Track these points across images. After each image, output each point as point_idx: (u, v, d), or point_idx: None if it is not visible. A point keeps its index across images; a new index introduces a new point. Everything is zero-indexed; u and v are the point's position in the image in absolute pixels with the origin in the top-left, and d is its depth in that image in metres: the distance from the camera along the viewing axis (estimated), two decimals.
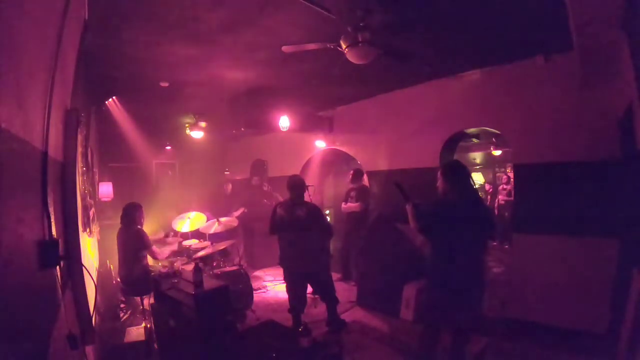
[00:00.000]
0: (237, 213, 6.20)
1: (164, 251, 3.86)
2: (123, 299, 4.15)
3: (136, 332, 3.57)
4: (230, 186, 6.85)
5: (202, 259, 4.33)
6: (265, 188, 6.76)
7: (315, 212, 3.61)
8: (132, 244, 3.73)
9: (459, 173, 2.54)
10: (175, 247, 4.01)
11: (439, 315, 2.53)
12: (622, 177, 3.00)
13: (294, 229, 3.53)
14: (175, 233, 5.03)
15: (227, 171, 8.72)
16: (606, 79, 3.01)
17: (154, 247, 3.81)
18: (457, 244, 2.37)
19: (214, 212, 5.48)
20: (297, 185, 3.65)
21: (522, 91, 3.86)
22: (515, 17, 2.87)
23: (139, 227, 3.86)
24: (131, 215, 3.84)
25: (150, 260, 3.98)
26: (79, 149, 2.40)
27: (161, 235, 5.00)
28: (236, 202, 6.48)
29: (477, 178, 10.85)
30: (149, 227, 4.41)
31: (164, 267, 3.86)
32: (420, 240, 2.47)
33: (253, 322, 3.89)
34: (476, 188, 2.70)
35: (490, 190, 9.58)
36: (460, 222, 2.36)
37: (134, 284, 3.76)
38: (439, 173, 2.60)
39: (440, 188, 2.57)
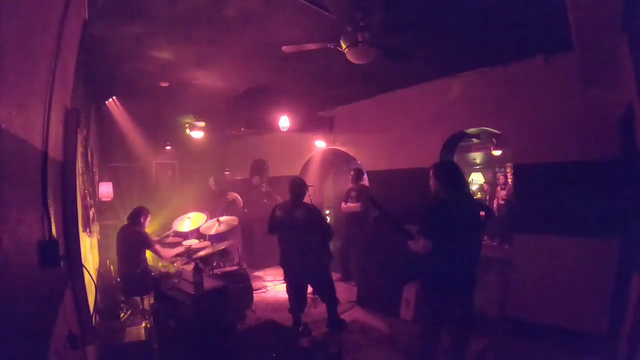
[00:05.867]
0: (230, 197, 6.01)
1: (169, 251, 3.91)
2: (123, 299, 4.15)
3: (136, 332, 3.57)
4: (212, 181, 6.48)
5: (202, 259, 4.33)
6: (263, 189, 6.71)
7: (314, 213, 3.61)
8: (134, 242, 3.79)
9: (450, 172, 2.55)
10: (181, 249, 4.07)
11: (436, 315, 2.53)
12: (622, 177, 3.00)
13: (294, 231, 3.53)
14: (176, 233, 5.03)
15: (227, 171, 8.72)
16: (606, 79, 3.00)
17: (157, 246, 3.86)
18: (453, 242, 2.36)
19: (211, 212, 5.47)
20: (297, 186, 3.65)
21: (522, 91, 3.86)
22: (515, 17, 2.87)
23: (139, 227, 3.95)
24: (137, 217, 3.99)
25: (150, 260, 3.99)
26: (79, 149, 2.40)
27: (169, 234, 5.01)
28: (223, 200, 6.12)
29: (477, 178, 10.85)
30: (149, 227, 4.41)
31: (164, 267, 3.87)
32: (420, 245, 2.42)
33: (253, 322, 3.89)
34: (469, 186, 2.70)
35: (488, 189, 9.60)
36: (454, 221, 2.36)
37: (134, 282, 3.79)
38: (430, 173, 2.61)
39: (432, 188, 2.58)
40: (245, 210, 6.45)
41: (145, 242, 3.83)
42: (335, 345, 3.02)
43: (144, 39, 3.17)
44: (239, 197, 6.08)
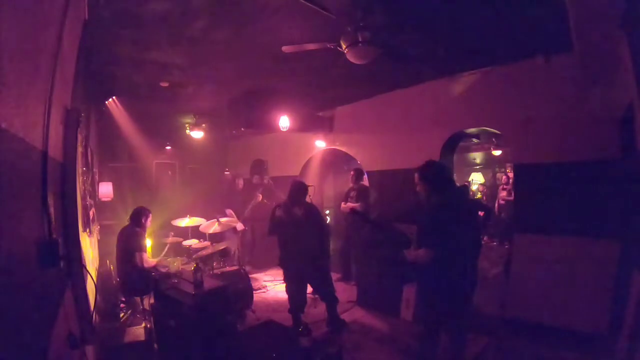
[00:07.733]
0: (259, 198, 6.18)
1: (151, 261, 3.91)
2: (123, 299, 4.15)
3: (136, 332, 3.57)
4: (242, 181, 6.73)
5: (202, 259, 4.33)
6: (265, 181, 6.73)
7: (313, 212, 3.62)
8: (128, 243, 3.78)
9: (438, 174, 2.46)
10: (160, 260, 4.08)
11: (436, 316, 2.53)
12: (622, 177, 3.00)
13: (293, 230, 3.54)
14: (175, 233, 5.03)
15: (227, 171, 8.72)
16: (606, 79, 3.00)
17: (144, 254, 3.84)
18: (452, 244, 2.34)
19: (216, 210, 5.47)
20: (295, 186, 3.66)
21: (522, 91, 3.86)
22: (515, 17, 2.87)
23: (138, 229, 3.93)
24: (137, 218, 3.97)
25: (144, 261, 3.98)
26: (79, 149, 2.40)
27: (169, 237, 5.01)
28: (247, 200, 6.37)
29: (477, 178, 10.86)
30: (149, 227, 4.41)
31: (163, 267, 3.86)
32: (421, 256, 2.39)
33: (253, 322, 3.89)
34: (457, 185, 2.63)
35: (484, 190, 9.62)
36: (453, 223, 2.32)
37: (131, 283, 3.78)
38: (416, 177, 2.50)
39: (421, 192, 2.49)
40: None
41: (134, 246, 3.78)
42: (335, 345, 3.02)
43: (144, 39, 3.17)
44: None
